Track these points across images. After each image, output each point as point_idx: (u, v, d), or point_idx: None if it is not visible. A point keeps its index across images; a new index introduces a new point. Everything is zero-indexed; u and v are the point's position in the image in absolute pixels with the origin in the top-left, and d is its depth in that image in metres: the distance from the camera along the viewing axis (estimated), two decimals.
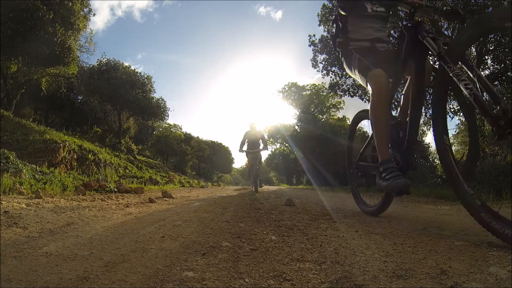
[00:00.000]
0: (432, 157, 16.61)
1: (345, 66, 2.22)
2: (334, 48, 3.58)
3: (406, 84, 1.99)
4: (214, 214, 2.35)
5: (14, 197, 2.81)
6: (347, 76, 10.47)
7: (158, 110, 18.62)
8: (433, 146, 21.71)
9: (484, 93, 1.18)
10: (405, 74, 1.90)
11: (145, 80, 17.85)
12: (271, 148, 26.64)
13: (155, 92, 18.68)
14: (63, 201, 2.99)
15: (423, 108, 10.57)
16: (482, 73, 1.28)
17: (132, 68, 17.60)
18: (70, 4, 9.63)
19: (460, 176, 1.32)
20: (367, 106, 1.92)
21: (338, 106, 23.00)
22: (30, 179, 4.01)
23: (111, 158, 11.26)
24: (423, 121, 11.26)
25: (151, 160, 20.78)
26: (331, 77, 10.64)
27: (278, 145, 25.34)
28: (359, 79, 2.04)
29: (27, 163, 5.26)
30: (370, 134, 2.07)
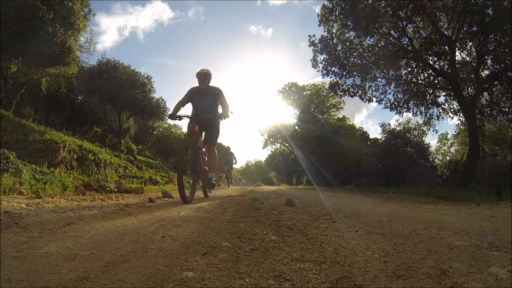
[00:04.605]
0: (432, 157, 16.64)
1: None
2: None
3: None
4: (214, 214, 2.35)
5: (14, 197, 2.81)
6: (347, 76, 10.42)
7: (158, 110, 18.60)
8: (433, 146, 21.69)
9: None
10: None
11: (145, 80, 17.83)
12: (271, 148, 26.14)
13: (155, 92, 18.67)
14: (63, 201, 2.99)
15: (423, 108, 10.51)
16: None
17: (132, 68, 17.60)
18: (70, 4, 9.62)
19: None
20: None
21: (338, 106, 23.05)
22: (30, 179, 4.01)
23: (111, 158, 11.25)
24: (422, 121, 11.21)
25: (151, 160, 20.75)
26: (331, 77, 10.63)
27: (278, 145, 25.28)
28: None
29: (27, 163, 5.26)
30: None
